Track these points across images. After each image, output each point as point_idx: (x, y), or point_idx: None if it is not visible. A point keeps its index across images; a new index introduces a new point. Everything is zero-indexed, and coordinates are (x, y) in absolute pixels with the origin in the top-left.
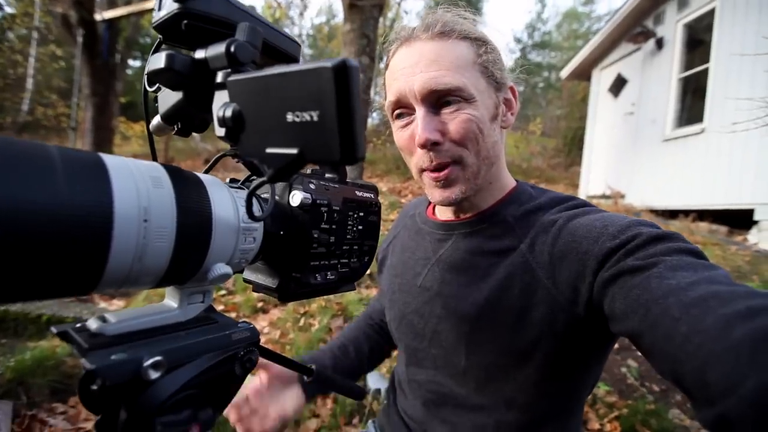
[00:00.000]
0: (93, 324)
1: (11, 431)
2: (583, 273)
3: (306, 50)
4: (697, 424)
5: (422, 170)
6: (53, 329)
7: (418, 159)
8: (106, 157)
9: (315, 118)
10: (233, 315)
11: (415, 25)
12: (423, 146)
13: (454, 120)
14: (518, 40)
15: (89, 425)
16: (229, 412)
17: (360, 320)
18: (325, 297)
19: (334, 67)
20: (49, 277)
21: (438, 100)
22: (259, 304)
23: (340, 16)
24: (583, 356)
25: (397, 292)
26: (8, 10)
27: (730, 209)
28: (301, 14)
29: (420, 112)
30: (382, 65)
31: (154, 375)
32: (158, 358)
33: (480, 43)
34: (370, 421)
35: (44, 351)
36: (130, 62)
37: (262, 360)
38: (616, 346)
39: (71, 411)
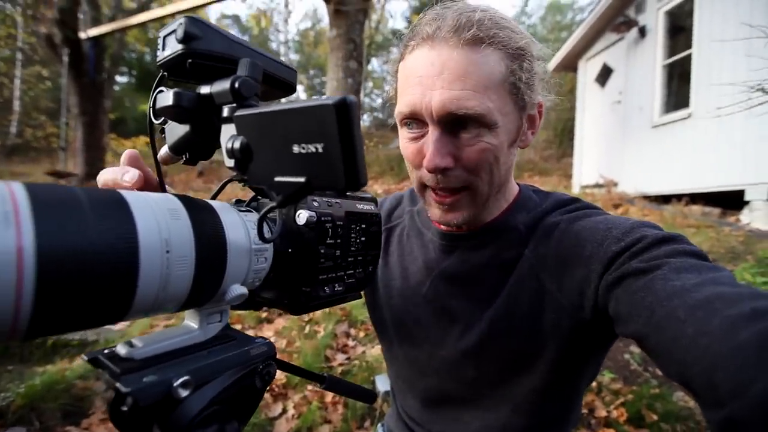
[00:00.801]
0: (122, 349)
1: None
2: (588, 277)
3: (292, 56)
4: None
5: (425, 187)
6: (83, 357)
7: (423, 175)
8: (126, 194)
9: (320, 150)
10: (239, 326)
11: (441, 21)
12: (432, 171)
13: (471, 148)
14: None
15: None
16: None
17: None
18: None
19: (335, 104)
20: (84, 310)
21: (455, 122)
22: (264, 315)
23: (325, 21)
24: (587, 356)
25: (395, 297)
26: None
27: (721, 191)
28: (286, 21)
29: (434, 134)
30: (370, 68)
31: (183, 393)
32: (186, 377)
33: (517, 55)
34: (379, 424)
35: (53, 375)
36: (118, 78)
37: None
38: None
39: None
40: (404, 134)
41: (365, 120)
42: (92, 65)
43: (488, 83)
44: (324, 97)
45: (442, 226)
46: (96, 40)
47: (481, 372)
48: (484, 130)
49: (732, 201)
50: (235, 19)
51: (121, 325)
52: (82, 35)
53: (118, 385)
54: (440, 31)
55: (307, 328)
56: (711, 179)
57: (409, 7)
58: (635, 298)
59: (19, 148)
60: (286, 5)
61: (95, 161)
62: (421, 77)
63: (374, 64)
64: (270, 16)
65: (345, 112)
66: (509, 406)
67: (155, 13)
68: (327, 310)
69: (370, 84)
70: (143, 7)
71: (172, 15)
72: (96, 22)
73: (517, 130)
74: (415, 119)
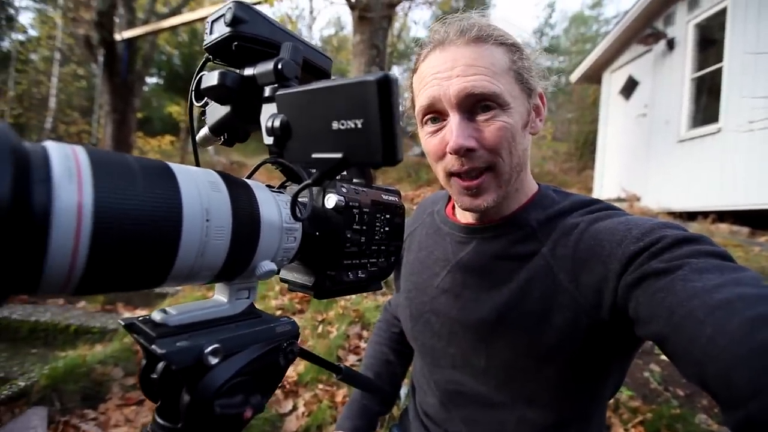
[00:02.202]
0: (157, 316)
1: None
2: (606, 276)
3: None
4: (726, 430)
5: (451, 174)
6: (120, 322)
7: (447, 163)
8: (172, 165)
9: (359, 125)
10: None
11: (447, 28)
12: (457, 152)
13: (489, 127)
14: (527, 45)
15: (120, 431)
16: None
17: (380, 332)
18: (342, 304)
19: (378, 80)
20: (131, 270)
21: (474, 105)
22: (278, 312)
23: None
24: (606, 359)
25: (413, 290)
26: (33, 33)
27: (752, 209)
28: (310, 27)
29: (455, 118)
30: (396, 74)
31: (213, 361)
32: (216, 345)
33: (514, 49)
34: (393, 425)
35: (75, 359)
36: (147, 79)
37: None
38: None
39: (102, 417)
40: (425, 131)
41: None
42: (125, 66)
43: (496, 69)
44: (366, 74)
45: (459, 220)
46: (130, 42)
47: (491, 362)
48: (498, 110)
49: (762, 220)
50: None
51: (140, 313)
52: (117, 37)
53: (153, 347)
54: (448, 36)
55: (320, 328)
56: (740, 196)
57: (433, 15)
58: (655, 299)
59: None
60: (311, 12)
61: None
62: (437, 74)
63: (396, 71)
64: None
65: (386, 87)
66: (524, 401)
67: (186, 17)
68: (340, 310)
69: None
70: (175, 12)
71: (202, 19)
72: (131, 24)
73: (527, 114)
74: (434, 112)
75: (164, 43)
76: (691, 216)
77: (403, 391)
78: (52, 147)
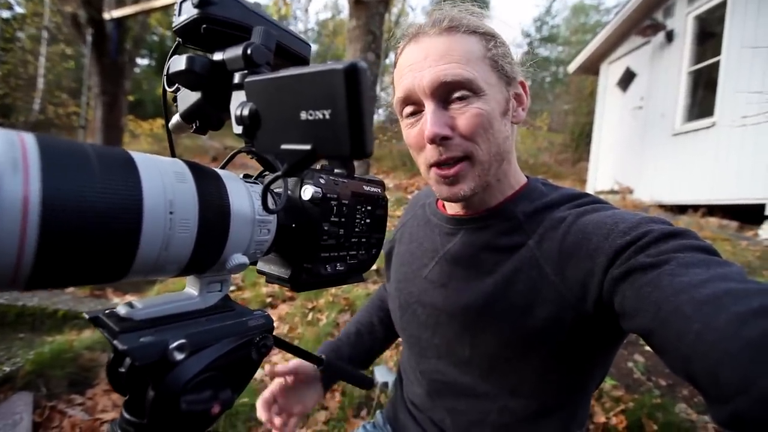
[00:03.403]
0: (122, 310)
1: (32, 422)
2: (592, 270)
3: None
4: (704, 419)
5: (431, 166)
6: (86, 314)
7: (427, 154)
8: (135, 154)
9: (327, 116)
10: None
11: (422, 21)
12: (432, 141)
13: (464, 114)
14: (526, 35)
15: (107, 416)
16: (261, 413)
17: (372, 302)
18: (332, 292)
19: (345, 69)
20: (87, 265)
21: (448, 94)
22: (268, 300)
23: (345, 12)
24: (590, 351)
25: (402, 281)
26: (18, 10)
27: (741, 204)
28: (306, 10)
29: (429, 107)
30: (388, 61)
31: (179, 356)
32: (182, 341)
33: (489, 37)
34: (378, 411)
35: (62, 344)
36: (138, 60)
37: (290, 365)
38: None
39: (89, 402)
40: (405, 124)
41: (380, 114)
42: (115, 46)
43: (469, 57)
44: (334, 62)
45: (447, 211)
46: (119, 21)
47: (475, 351)
48: (473, 97)
49: (751, 215)
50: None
51: (130, 299)
52: (106, 16)
53: (115, 342)
54: (421, 29)
55: (310, 316)
56: (731, 191)
57: (431, 1)
58: (641, 293)
59: (41, 124)
60: None
61: (113, 141)
62: (411, 65)
63: (392, 57)
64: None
65: (354, 77)
66: (507, 391)
67: None
68: (330, 298)
69: (387, 78)
70: None
71: None
72: (120, 3)
73: (506, 102)
74: (410, 103)
75: (156, 23)
76: (682, 209)
77: (391, 378)
78: None
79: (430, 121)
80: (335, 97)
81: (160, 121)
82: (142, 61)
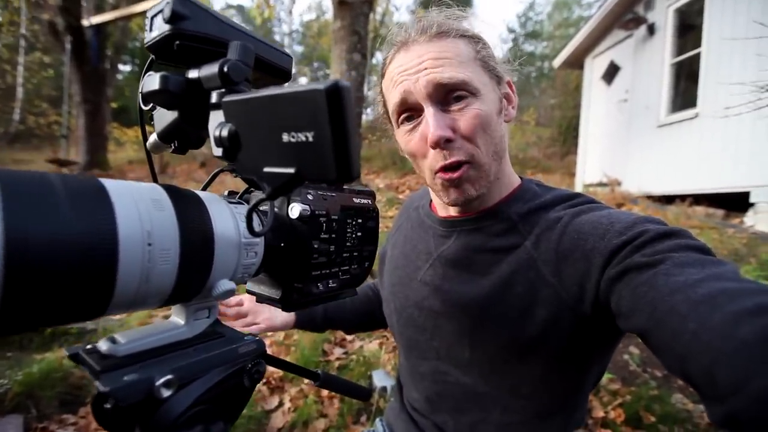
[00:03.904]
0: (103, 346)
1: None
2: (589, 270)
3: (296, 47)
4: (700, 408)
5: (436, 171)
6: (65, 351)
7: (431, 160)
8: (107, 182)
9: (310, 139)
10: None
11: (408, 29)
12: (436, 145)
13: (464, 116)
14: (511, 31)
15: None
16: (226, 311)
17: (368, 286)
18: None
19: (327, 89)
20: (59, 305)
21: (446, 95)
22: None
23: (329, 13)
24: (588, 351)
25: (397, 284)
26: None
27: (726, 192)
28: (290, 12)
29: (429, 110)
30: (374, 61)
31: (166, 393)
32: (169, 376)
33: (476, 40)
34: (377, 419)
35: (51, 363)
36: (120, 67)
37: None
38: None
39: (81, 422)
40: (403, 131)
41: (368, 113)
42: (95, 53)
43: (462, 59)
44: (316, 82)
45: (440, 213)
46: (99, 27)
47: (475, 354)
48: (471, 98)
49: (736, 203)
50: (239, 9)
51: (120, 315)
52: (85, 22)
53: (96, 383)
54: (410, 36)
55: None
56: (716, 180)
57: (414, 0)
58: (637, 293)
59: (22, 135)
60: None
61: (97, 149)
62: (405, 71)
63: (378, 57)
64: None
65: (337, 98)
66: (508, 392)
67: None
68: None
69: (374, 78)
70: None
71: None
72: (99, 9)
73: (499, 101)
74: (408, 109)
75: (138, 28)
76: (669, 199)
77: (390, 383)
78: None
79: (432, 124)
80: (318, 119)
81: (147, 129)
82: (125, 68)
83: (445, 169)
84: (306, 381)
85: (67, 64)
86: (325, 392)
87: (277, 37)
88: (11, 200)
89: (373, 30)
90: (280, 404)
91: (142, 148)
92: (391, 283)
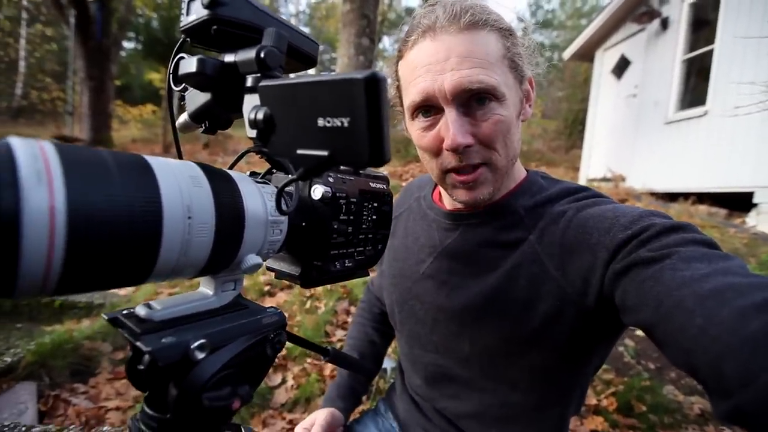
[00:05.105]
0: (141, 311)
1: (38, 410)
2: (593, 264)
3: (302, 29)
4: (690, 400)
5: (447, 171)
6: (104, 316)
7: (444, 160)
8: (150, 159)
9: (345, 124)
10: None
11: (437, 12)
12: (455, 151)
13: (487, 122)
14: (521, 20)
15: (111, 404)
16: None
17: (362, 313)
18: None
19: (366, 79)
20: (110, 270)
21: (469, 99)
22: (266, 288)
23: None
24: (589, 345)
25: (398, 276)
26: None
27: (730, 192)
28: None
29: (451, 114)
30: (381, 46)
31: (200, 356)
32: (203, 340)
33: (508, 34)
34: (379, 399)
35: (62, 334)
36: (125, 44)
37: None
38: None
39: (92, 391)
40: (417, 125)
41: None
42: (99, 28)
43: (492, 59)
44: (354, 71)
45: (446, 206)
46: (103, 2)
47: (474, 349)
48: (495, 103)
49: (740, 203)
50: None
51: (125, 290)
52: None
53: (138, 344)
54: (439, 22)
55: (308, 304)
56: (720, 179)
57: None
58: (643, 287)
59: (25, 110)
60: None
61: (101, 127)
62: (429, 65)
63: (386, 42)
64: None
65: (374, 87)
66: (507, 385)
67: None
68: (329, 286)
69: (381, 63)
70: None
71: None
72: None
73: (521, 103)
74: (427, 106)
75: (142, 5)
76: (673, 197)
77: (390, 365)
78: (18, 146)
79: (452, 130)
80: (355, 106)
81: (150, 107)
82: (128, 45)
83: (459, 171)
84: (309, 360)
85: (72, 38)
86: (327, 371)
87: (283, 18)
88: (72, 173)
89: (381, 13)
90: (284, 381)
91: (145, 127)
92: (392, 275)
